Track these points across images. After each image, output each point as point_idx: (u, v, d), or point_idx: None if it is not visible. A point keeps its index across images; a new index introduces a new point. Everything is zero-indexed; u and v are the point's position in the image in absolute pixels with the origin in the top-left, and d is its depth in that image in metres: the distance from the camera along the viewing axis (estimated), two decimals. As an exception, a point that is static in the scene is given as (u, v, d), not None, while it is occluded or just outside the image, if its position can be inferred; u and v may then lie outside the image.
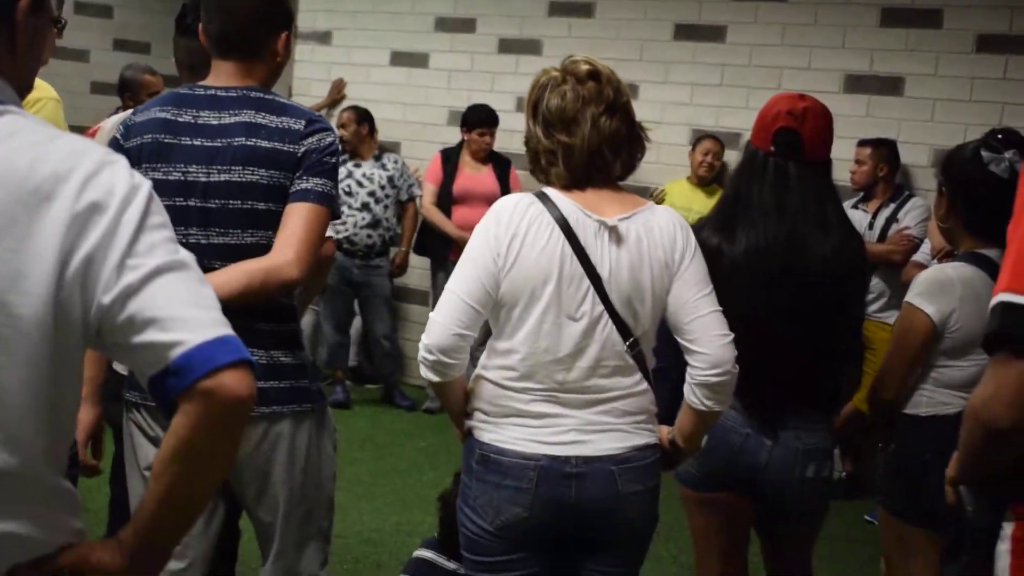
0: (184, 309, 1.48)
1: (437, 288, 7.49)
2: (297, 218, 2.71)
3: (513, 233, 2.57)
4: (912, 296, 3.17)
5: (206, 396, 1.45)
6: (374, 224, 7.41)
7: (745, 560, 3.33)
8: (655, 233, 2.62)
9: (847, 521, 5.98)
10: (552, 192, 2.64)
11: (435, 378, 2.62)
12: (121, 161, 1.53)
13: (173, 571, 2.90)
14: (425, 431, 7.14)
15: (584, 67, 2.64)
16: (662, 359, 2.79)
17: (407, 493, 5.84)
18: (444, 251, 7.36)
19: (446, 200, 7.38)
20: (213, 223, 2.72)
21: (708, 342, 2.60)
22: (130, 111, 3.04)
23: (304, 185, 2.73)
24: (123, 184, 1.50)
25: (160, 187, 2.65)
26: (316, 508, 2.96)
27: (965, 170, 3.12)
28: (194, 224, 2.71)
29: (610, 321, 2.59)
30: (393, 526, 5.41)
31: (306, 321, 7.69)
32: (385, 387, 7.91)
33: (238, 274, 2.64)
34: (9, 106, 1.53)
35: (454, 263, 7.48)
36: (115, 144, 2.77)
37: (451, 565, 3.46)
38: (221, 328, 1.49)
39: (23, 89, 1.63)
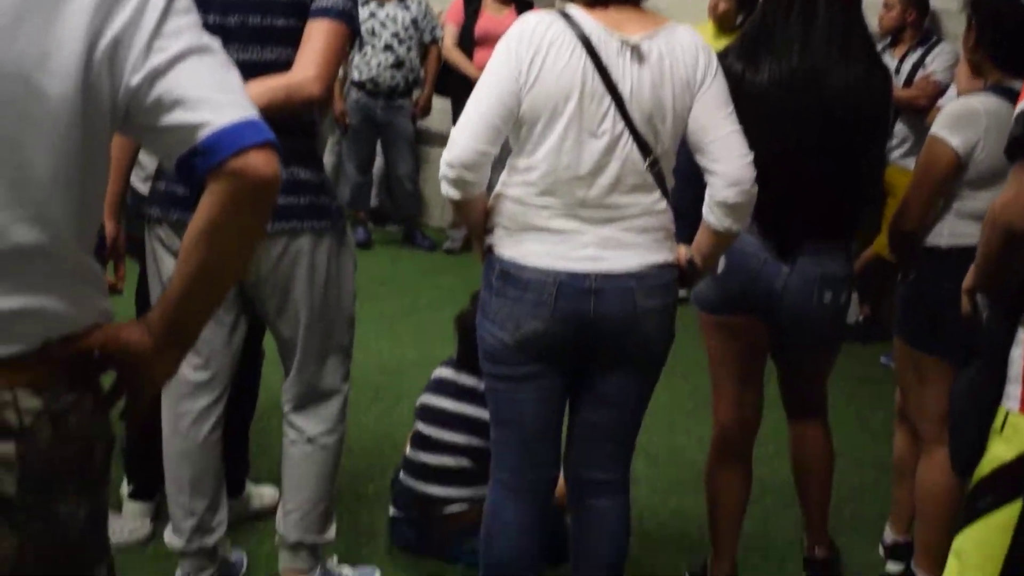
0: (211, 91, 1.49)
1: (459, 128, 7.47)
2: (318, 35, 2.70)
3: (535, 50, 2.55)
4: (937, 128, 3.15)
5: (234, 175, 1.46)
6: (397, 65, 7.37)
7: (761, 385, 3.37)
8: (677, 52, 2.60)
9: (863, 363, 6.03)
10: (574, 10, 2.62)
11: (456, 195, 2.63)
12: None
13: (196, 382, 2.97)
14: (445, 271, 7.20)
15: None
16: (676, 198, 2.78)
17: (427, 329, 5.92)
18: (465, 92, 7.26)
19: (467, 41, 7.32)
20: (232, 40, 2.70)
21: (728, 161, 2.60)
22: None
23: (325, 2, 2.72)
24: None
25: None
26: (337, 323, 3.02)
27: (994, 2, 3.09)
28: None
29: (631, 139, 2.59)
30: (413, 360, 5.50)
31: (326, 161, 7.69)
32: (406, 228, 7.95)
33: (260, 90, 2.64)
34: None
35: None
36: None
37: (470, 381, 3.52)
38: (248, 110, 1.50)
39: None
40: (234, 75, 1.54)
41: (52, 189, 1.47)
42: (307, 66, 2.69)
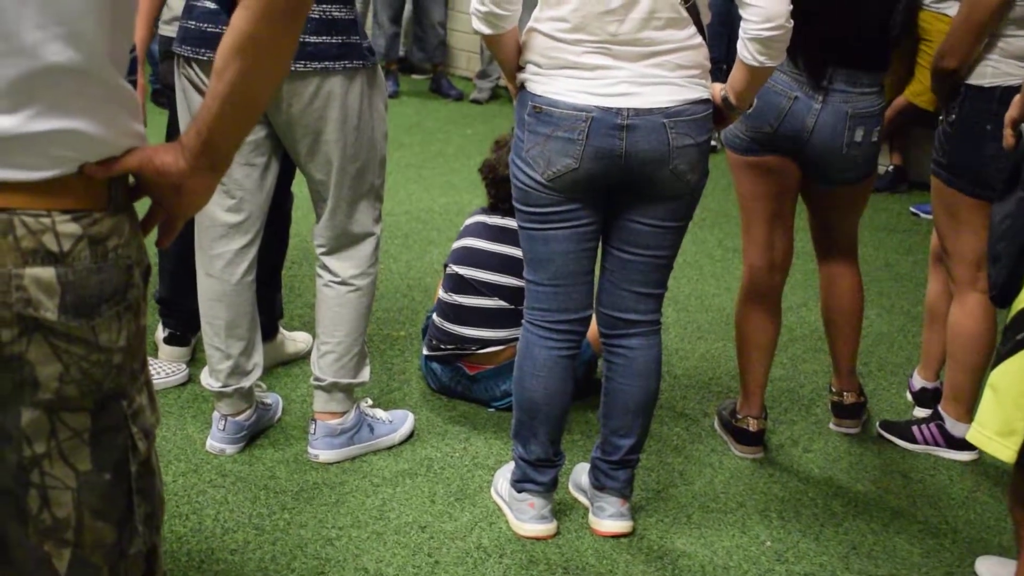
0: None
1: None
2: None
3: None
4: None
5: None
6: None
7: (791, 226, 3.35)
8: None
9: (891, 212, 6.01)
10: None
11: (487, 30, 2.59)
12: None
13: (230, 223, 2.98)
14: (472, 119, 7.16)
15: None
16: (713, 51, 2.72)
17: (454, 176, 5.91)
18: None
19: None
20: None
21: (764, -6, 2.54)
22: None
23: None
24: None
25: None
26: (369, 165, 3.00)
27: None
28: None
29: (665, -29, 2.53)
30: (442, 206, 5.50)
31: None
32: (433, 77, 7.88)
33: None
34: None
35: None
36: None
37: (504, 222, 3.52)
38: None
39: None
40: None
41: (85, 4, 1.44)
42: None
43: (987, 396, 2.23)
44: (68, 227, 1.46)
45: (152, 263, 1.63)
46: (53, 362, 1.47)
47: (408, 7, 7.77)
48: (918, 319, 4.35)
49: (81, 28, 1.43)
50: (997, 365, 2.22)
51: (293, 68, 2.72)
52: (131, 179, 1.58)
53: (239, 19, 1.45)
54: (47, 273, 1.45)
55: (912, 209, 6.06)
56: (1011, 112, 2.31)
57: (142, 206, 1.59)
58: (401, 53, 8.01)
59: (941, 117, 3.33)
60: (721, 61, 2.95)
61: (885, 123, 3.30)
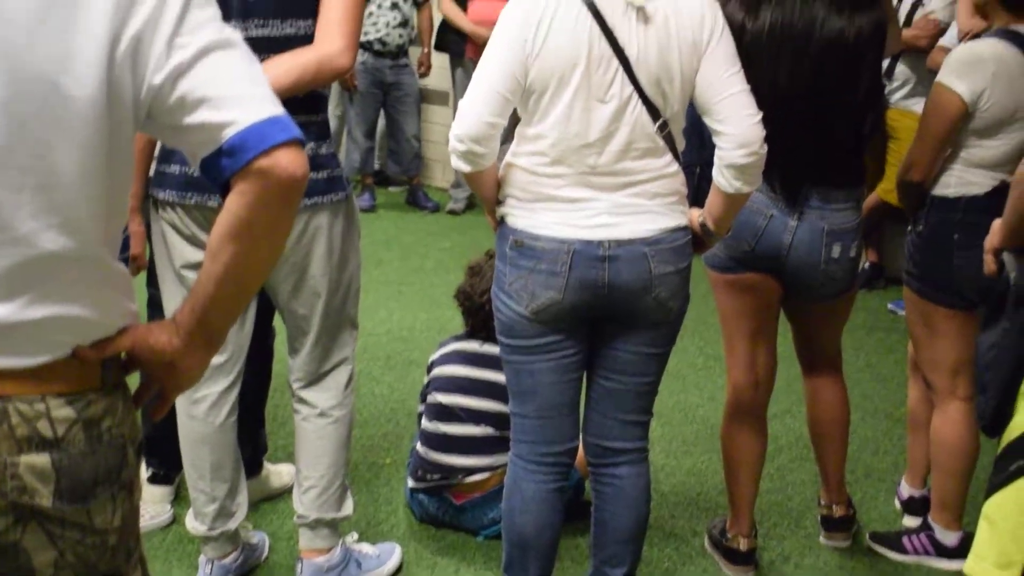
0: (235, 88, 1.46)
1: (457, 85, 7.48)
2: (338, 5, 2.69)
3: (539, 17, 2.52)
4: (943, 75, 3.13)
5: (262, 175, 1.44)
6: (403, 23, 7.38)
7: (774, 342, 3.36)
8: (683, 12, 2.57)
9: (870, 310, 6.04)
10: None
11: (466, 168, 2.61)
12: None
13: (213, 365, 2.96)
14: (449, 232, 7.19)
15: None
16: (686, 156, 2.77)
17: (434, 292, 5.91)
18: (461, 47, 7.32)
19: (462, -6, 7.30)
20: (252, 15, 2.69)
21: (737, 121, 2.58)
22: None
23: None
24: None
25: None
26: (349, 297, 3.03)
27: None
28: (233, 16, 2.68)
29: (640, 103, 2.56)
30: (423, 323, 5.50)
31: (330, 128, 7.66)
32: (409, 189, 7.93)
33: (289, 67, 2.64)
34: None
35: (471, 59, 7.48)
36: None
37: (484, 348, 3.51)
38: (273, 106, 1.48)
39: None
40: (257, 69, 1.52)
41: (80, 193, 1.45)
42: (332, 38, 2.67)
43: (982, 527, 2.22)
44: (62, 411, 1.46)
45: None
46: (48, 549, 1.45)
47: (381, 121, 7.84)
48: (902, 421, 4.35)
49: (76, 216, 1.44)
50: (991, 495, 2.22)
51: None
52: (123, 354, 1.58)
53: (234, 204, 1.46)
54: (42, 459, 1.44)
55: (890, 307, 6.09)
56: (991, 239, 2.33)
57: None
58: (376, 166, 8.07)
59: (910, 227, 3.37)
60: (694, 164, 2.98)
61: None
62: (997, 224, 2.28)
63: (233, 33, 1.51)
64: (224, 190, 1.47)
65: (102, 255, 1.50)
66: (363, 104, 7.46)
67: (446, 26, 7.44)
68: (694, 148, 2.78)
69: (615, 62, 2.52)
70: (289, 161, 1.45)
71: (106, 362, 1.53)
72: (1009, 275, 2.20)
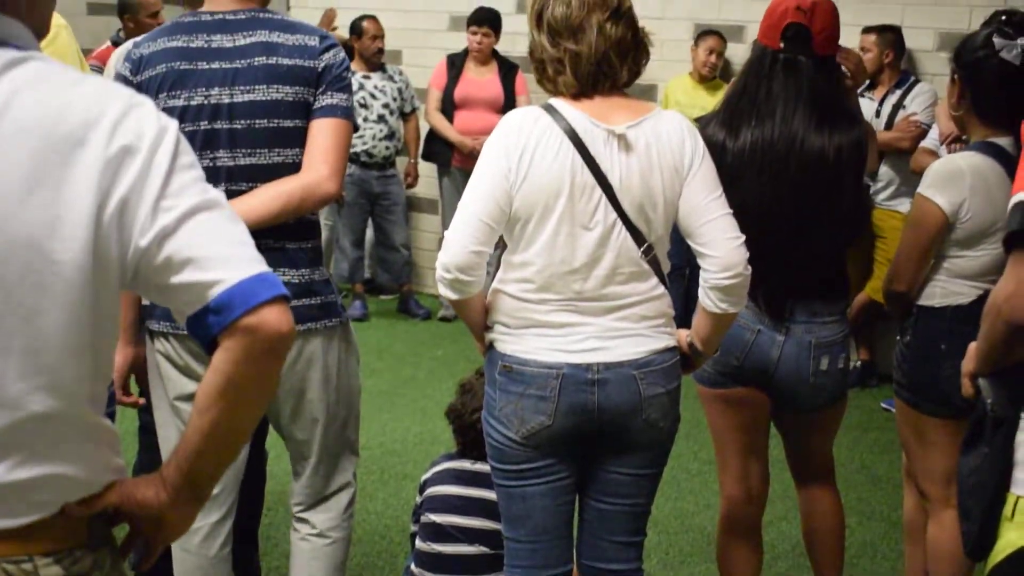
0: (220, 247, 1.49)
1: (443, 193, 7.54)
2: (327, 133, 2.75)
3: (523, 147, 2.57)
4: (923, 188, 3.17)
5: (248, 333, 1.47)
6: (390, 135, 7.47)
7: (766, 456, 3.37)
8: (664, 139, 2.62)
9: (863, 409, 6.04)
10: (559, 103, 2.64)
11: (454, 296, 2.64)
12: (147, 103, 1.54)
13: (206, 495, 2.96)
14: (441, 340, 7.19)
15: None
16: (674, 257, 2.81)
17: (427, 403, 5.90)
18: (448, 156, 7.40)
19: (449, 105, 7.38)
20: (240, 144, 2.74)
21: (719, 245, 2.61)
22: (130, 42, 3.03)
23: (329, 101, 2.77)
24: (152, 126, 1.50)
25: (184, 113, 2.69)
26: (349, 421, 3.04)
27: (977, 57, 3.10)
28: (221, 147, 2.73)
29: (624, 229, 2.60)
30: (416, 436, 5.48)
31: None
32: (400, 297, 7.96)
33: (275, 194, 2.69)
34: (32, 52, 1.52)
35: (458, 168, 7.57)
36: (124, 81, 2.76)
37: (476, 466, 3.50)
38: (258, 265, 1.51)
39: (41, 32, 1.63)
40: (241, 228, 1.55)
41: (66, 354, 1.47)
42: (319, 165, 2.73)
43: None
44: (50, 570, 1.47)
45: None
46: None
47: (370, 230, 7.90)
48: (899, 524, 4.32)
49: (62, 377, 1.46)
50: None
51: None
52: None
53: (220, 361, 1.48)
54: None
55: (884, 405, 6.09)
56: (966, 364, 2.35)
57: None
58: (367, 275, 8.11)
59: (898, 338, 3.40)
60: (683, 267, 3.02)
61: (850, 320, 3.36)
62: (972, 348, 2.30)
63: (216, 193, 1.54)
64: (211, 348, 1.49)
65: (88, 413, 1.52)
66: (351, 215, 7.52)
67: (433, 136, 7.53)
68: (683, 250, 2.81)
69: (598, 190, 2.56)
70: (275, 318, 1.48)
71: (93, 518, 1.53)
72: (986, 400, 2.21)
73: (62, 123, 1.45)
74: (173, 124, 1.54)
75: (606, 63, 2.62)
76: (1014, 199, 1.93)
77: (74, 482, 1.50)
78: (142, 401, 3.03)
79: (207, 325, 1.48)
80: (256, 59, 2.73)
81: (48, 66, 1.51)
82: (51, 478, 1.47)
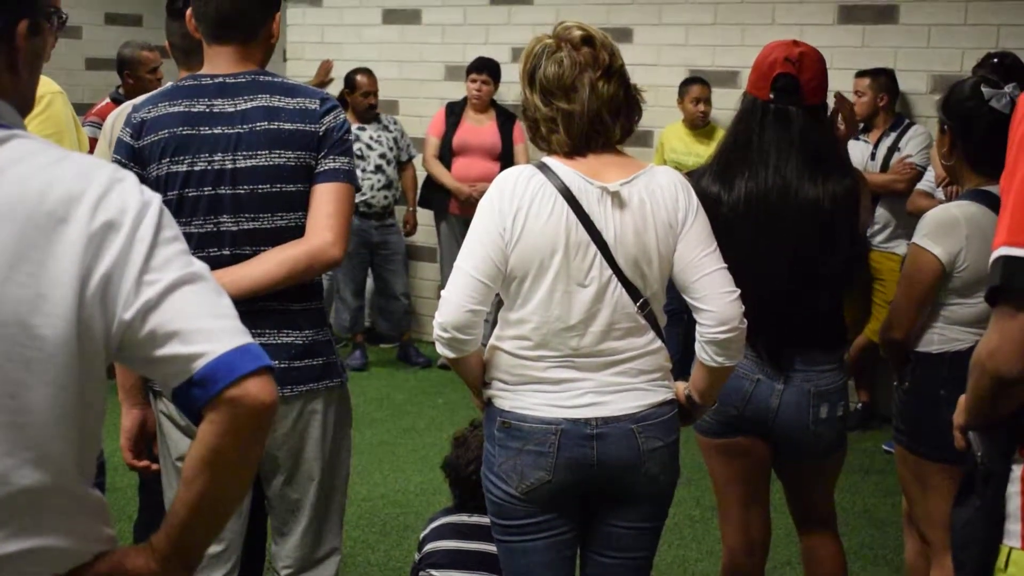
0: (204, 320, 1.51)
1: (442, 239, 7.57)
2: (329, 197, 2.77)
3: (517, 207, 2.59)
4: (919, 237, 3.19)
5: (232, 404, 1.48)
6: (388, 185, 7.51)
7: (767, 504, 3.38)
8: (657, 195, 2.64)
9: (864, 452, 6.03)
10: (552, 161, 2.66)
11: (451, 354, 2.66)
12: (130, 178, 1.56)
13: (211, 555, 2.95)
14: (442, 388, 7.20)
15: (577, 32, 2.65)
16: (671, 303, 2.82)
17: (428, 452, 5.89)
18: (445, 203, 7.45)
19: (447, 152, 7.43)
20: (243, 209, 2.75)
21: (715, 299, 2.63)
22: (129, 103, 3.06)
23: (332, 165, 2.79)
24: (134, 201, 1.53)
25: (188, 178, 2.71)
26: (339, 483, 3.02)
27: (966, 107, 3.13)
28: (225, 212, 2.75)
29: (619, 285, 2.62)
30: (417, 486, 5.47)
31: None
32: (400, 346, 7.97)
33: (280, 259, 2.72)
34: (15, 130, 1.55)
35: (455, 215, 7.57)
36: (125, 146, 2.79)
37: (475, 519, 3.49)
38: (241, 337, 1.52)
39: (26, 107, 1.65)
40: (225, 300, 1.57)
41: (52, 428, 1.48)
42: (324, 230, 2.75)
43: None
44: None
45: None
46: None
47: (370, 280, 7.92)
48: (902, 568, 4.31)
49: (49, 450, 1.47)
50: None
51: (280, 394, 2.75)
52: None
53: (206, 433, 1.50)
54: None
55: (885, 447, 6.07)
56: (957, 419, 2.36)
57: None
58: (367, 323, 8.12)
59: (895, 384, 3.41)
60: (681, 312, 3.02)
61: (850, 362, 3.37)
62: (962, 401, 2.31)
63: (200, 266, 1.56)
64: (197, 420, 1.51)
65: (76, 485, 1.53)
66: (351, 265, 7.54)
67: (430, 183, 7.57)
68: (680, 303, 2.82)
69: (593, 247, 2.58)
70: (259, 390, 1.49)
71: None
72: (976, 453, 2.22)
73: (45, 201, 1.47)
74: (156, 198, 1.56)
75: (599, 121, 2.64)
76: (995, 254, 1.94)
77: (64, 553, 1.52)
78: (155, 467, 3.02)
79: (192, 398, 1.50)
80: (258, 124, 2.75)
81: (31, 144, 1.53)
82: (41, 550, 1.49)
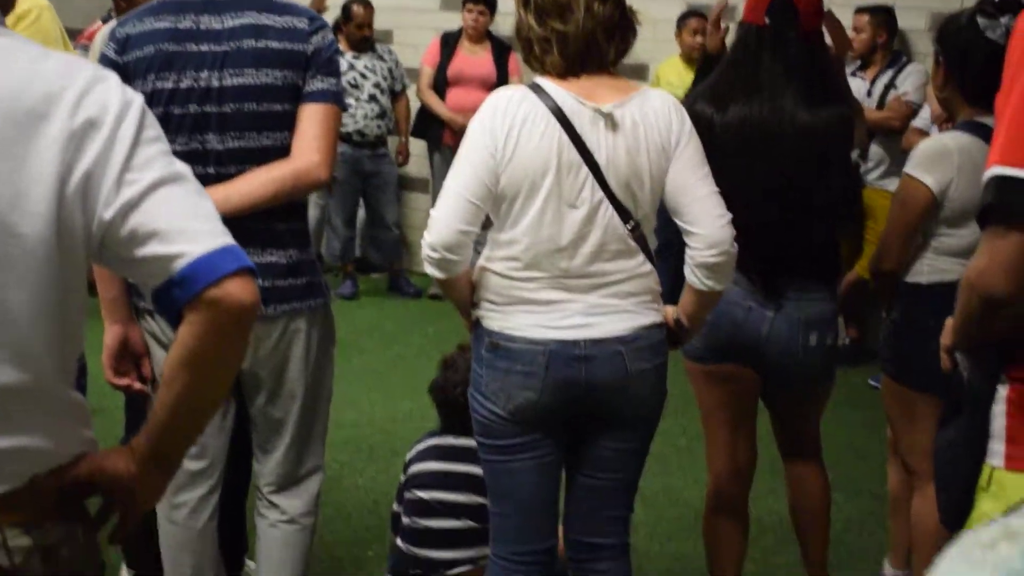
0: (185, 221, 1.50)
1: (435, 170, 7.55)
2: (318, 118, 2.75)
3: (509, 126, 2.57)
4: (910, 167, 3.18)
5: (212, 305, 1.48)
6: (381, 115, 7.49)
7: (753, 431, 3.39)
8: (650, 117, 2.63)
9: (851, 386, 6.05)
10: (545, 82, 2.64)
11: (440, 275, 2.65)
12: (112, 77, 1.54)
13: (193, 471, 2.97)
14: (431, 317, 7.20)
15: None
16: (662, 236, 2.82)
17: (417, 380, 5.84)
18: (439, 133, 7.41)
19: (441, 83, 7.38)
20: (229, 128, 2.73)
21: (706, 223, 2.63)
22: (114, 22, 3.02)
23: (320, 85, 2.77)
24: (116, 100, 1.51)
25: (174, 96, 2.68)
26: (321, 403, 3.03)
27: (961, 38, 3.11)
28: (211, 130, 2.72)
29: (610, 206, 2.61)
30: (405, 413, 5.49)
31: (311, 215, 7.72)
32: (391, 276, 7.97)
33: (267, 179, 2.70)
34: None
35: (449, 146, 7.58)
36: (108, 62, 2.74)
37: (461, 441, 3.50)
38: (223, 237, 1.51)
39: (7, 6, 1.63)
40: (206, 202, 1.56)
41: (32, 327, 1.48)
42: (310, 151, 2.73)
43: None
44: (19, 540, 1.48)
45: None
46: None
47: (362, 210, 7.90)
48: (886, 500, 4.34)
49: (28, 348, 1.47)
50: None
51: (264, 312, 2.75)
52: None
53: (186, 334, 1.49)
54: None
55: (871, 382, 6.11)
56: (944, 339, 2.37)
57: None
58: (358, 253, 8.11)
59: (884, 315, 3.41)
60: (673, 244, 3.01)
61: (840, 297, 3.38)
62: (949, 323, 2.31)
63: (182, 167, 1.55)
64: (177, 321, 1.50)
65: (57, 386, 1.53)
66: (342, 194, 7.52)
67: (424, 113, 7.53)
68: (674, 227, 2.82)
69: (584, 168, 2.57)
70: (240, 290, 1.48)
71: (63, 490, 1.54)
72: (963, 374, 2.23)
73: (25, 97, 1.45)
74: (139, 98, 1.54)
75: (593, 42, 2.62)
76: (988, 173, 1.94)
77: (43, 454, 1.52)
78: (138, 386, 3.00)
79: (172, 298, 1.49)
80: (245, 42, 2.71)
81: (11, 42, 1.52)
82: (20, 450, 1.49)
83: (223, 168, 2.74)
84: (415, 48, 7.81)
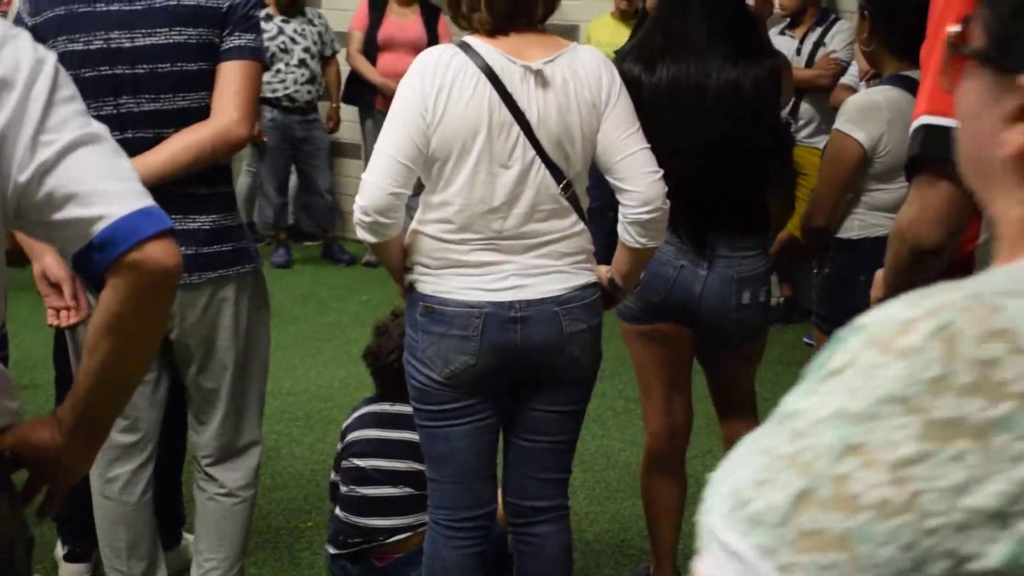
0: (103, 182, 1.46)
1: (367, 136, 7.48)
2: (236, 76, 2.69)
3: (439, 86, 2.54)
4: (840, 123, 3.19)
5: (133, 268, 1.44)
6: (311, 80, 7.40)
7: (689, 391, 3.40)
8: (580, 74, 2.61)
9: (786, 344, 6.11)
10: (474, 41, 2.61)
11: (372, 239, 2.62)
12: (23, 35, 1.49)
13: (125, 444, 2.93)
14: (366, 285, 7.17)
15: None
16: (595, 199, 2.81)
17: (352, 347, 5.85)
18: (371, 98, 7.34)
19: (371, 47, 7.30)
20: (143, 90, 2.66)
21: (638, 180, 2.62)
22: None
23: (237, 42, 2.70)
24: (28, 59, 1.46)
25: (85, 58, 2.60)
26: (256, 372, 2.99)
27: None
28: (125, 93, 2.65)
29: (542, 166, 2.59)
30: (341, 381, 5.47)
31: (242, 183, 7.64)
32: (324, 243, 7.91)
33: (185, 145, 2.63)
34: None
35: (380, 110, 7.47)
36: (20, 22, 2.66)
37: (397, 408, 3.48)
38: (143, 199, 1.47)
39: None
40: (124, 162, 1.51)
41: None
42: (229, 110, 2.67)
43: None
44: None
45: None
46: None
47: (293, 176, 7.82)
48: (821, 457, 4.39)
49: None
50: None
51: (188, 280, 2.71)
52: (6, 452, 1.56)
53: (106, 299, 1.46)
54: None
55: (805, 339, 6.16)
56: (875, 291, 2.38)
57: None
58: (291, 221, 8.04)
59: (815, 271, 3.43)
60: (605, 207, 3.00)
61: (773, 256, 3.39)
62: (880, 275, 2.33)
63: (99, 127, 1.50)
64: (98, 285, 1.46)
65: None
66: (273, 160, 7.45)
67: (354, 78, 7.45)
68: (607, 191, 2.81)
69: (516, 127, 2.55)
70: (161, 253, 1.45)
71: None
72: None
73: None
74: (52, 56, 1.49)
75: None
76: (915, 124, 1.94)
77: None
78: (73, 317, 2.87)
79: (92, 262, 1.45)
80: (157, 0, 2.65)
81: None
82: None
83: (140, 131, 2.66)
84: (344, 12, 7.70)
